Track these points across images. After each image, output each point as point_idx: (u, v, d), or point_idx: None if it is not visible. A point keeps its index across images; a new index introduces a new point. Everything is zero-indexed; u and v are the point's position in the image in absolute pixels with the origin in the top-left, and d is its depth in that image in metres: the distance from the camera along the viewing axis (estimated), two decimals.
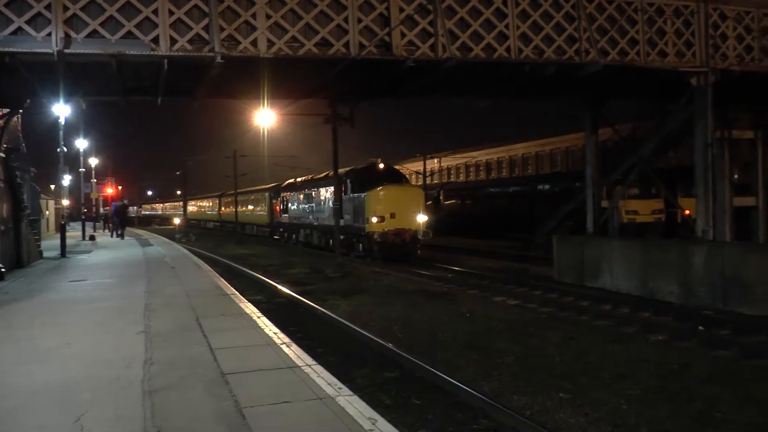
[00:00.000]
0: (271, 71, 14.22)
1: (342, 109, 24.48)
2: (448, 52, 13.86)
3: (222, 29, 12.21)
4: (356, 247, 26.68)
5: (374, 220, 24.57)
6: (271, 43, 12.71)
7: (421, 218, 24.97)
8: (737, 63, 16.77)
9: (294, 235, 36.71)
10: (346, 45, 13.28)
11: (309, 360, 6.95)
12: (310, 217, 32.76)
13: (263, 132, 31.26)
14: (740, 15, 17.12)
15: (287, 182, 40.03)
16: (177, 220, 70.91)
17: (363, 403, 5.53)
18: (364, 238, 25.56)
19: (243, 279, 19.29)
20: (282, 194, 39.43)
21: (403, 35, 13.69)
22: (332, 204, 27.27)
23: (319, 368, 6.60)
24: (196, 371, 6.39)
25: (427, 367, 8.43)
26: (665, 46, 16.13)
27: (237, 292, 12.48)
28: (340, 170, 26.68)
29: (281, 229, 40.23)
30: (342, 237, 26.63)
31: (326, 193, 29.90)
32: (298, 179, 37.82)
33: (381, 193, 25.13)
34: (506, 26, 14.46)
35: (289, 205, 37.31)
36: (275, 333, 8.40)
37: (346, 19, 13.28)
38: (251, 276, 20.09)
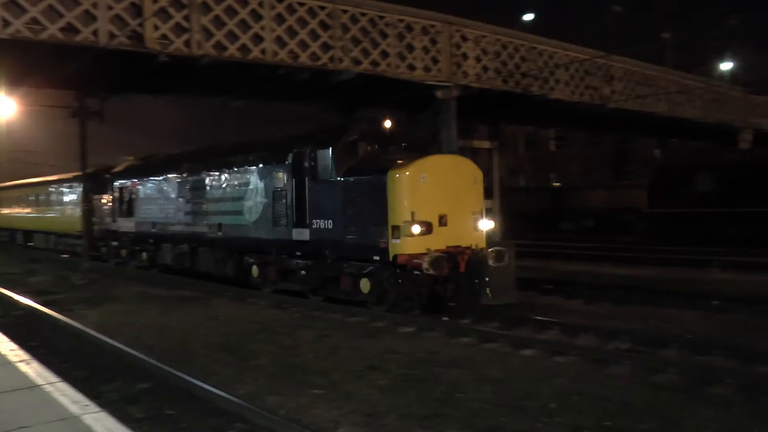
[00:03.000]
0: (9, 55, 12.76)
1: (93, 102, 22.66)
2: (203, 49, 13.56)
3: None
4: (353, 286, 12.95)
5: (414, 230, 11.68)
6: (6, 23, 11.40)
7: (485, 224, 13.03)
8: (476, 80, 18.56)
9: (145, 254, 21.38)
10: (95, 33, 12.40)
11: (52, 377, 6.34)
12: (200, 222, 17.82)
13: None
14: (478, 38, 18.97)
15: (132, 163, 24.14)
16: None
17: (111, 420, 5.20)
18: (383, 269, 12.23)
19: None
20: (122, 185, 22.75)
21: (156, 28, 13.11)
22: (267, 198, 14.86)
23: (63, 385, 6.05)
24: None
25: (181, 375, 8.13)
26: (414, 60, 17.34)
27: None
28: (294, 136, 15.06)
29: (116, 243, 23.73)
30: (305, 267, 14.08)
31: (250, 178, 15.62)
32: (168, 155, 22.33)
33: (423, 174, 12.12)
34: (262, 28, 14.51)
35: (141, 203, 21.36)
36: (11, 350, 7.54)
37: (95, 5, 12.38)
38: None
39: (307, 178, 13.61)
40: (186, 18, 13.44)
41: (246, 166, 15.88)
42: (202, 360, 9.29)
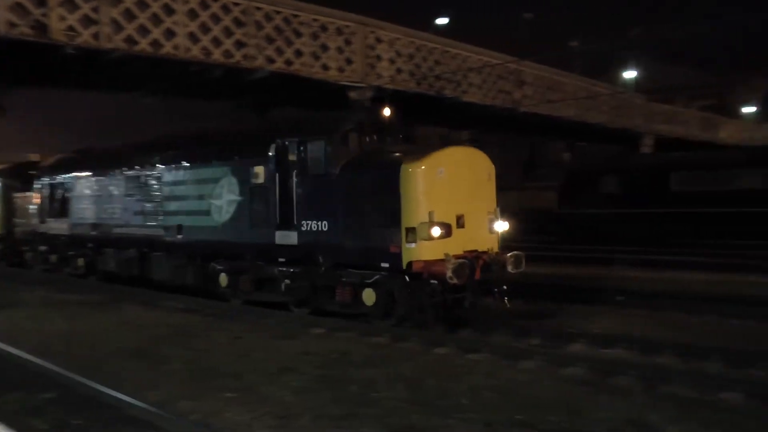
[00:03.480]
0: None
1: None
2: (113, 43, 13.14)
3: None
4: (352, 298, 11.49)
5: (434, 232, 10.44)
6: None
7: (500, 225, 11.94)
8: (390, 81, 18.73)
9: (82, 260, 18.71)
10: None
11: None
12: (154, 223, 15.66)
13: None
14: (393, 40, 19.16)
15: (65, 156, 20.90)
16: None
17: None
18: (393, 278, 10.89)
19: None
20: (53, 181, 19.96)
21: (63, 18, 12.61)
22: (242, 196, 13.17)
23: None
24: None
25: (89, 382, 7.82)
26: (328, 60, 17.35)
27: None
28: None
29: (44, 247, 20.60)
30: (290, 275, 12.45)
31: (220, 173, 13.72)
32: (113, 147, 19.18)
33: (440, 168, 10.86)
34: (174, 23, 14.19)
35: (78, 201, 18.73)
36: None
37: None
38: None
39: (294, 174, 12.09)
40: (95, 9, 13.00)
41: (215, 160, 13.99)
42: (112, 366, 8.95)
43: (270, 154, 12.53)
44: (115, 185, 17.10)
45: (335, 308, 11.81)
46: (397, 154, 11.41)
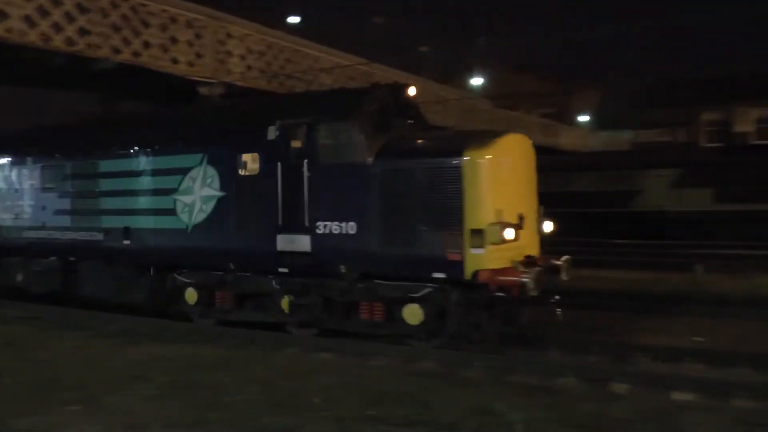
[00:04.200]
0: None
1: None
2: None
3: None
4: (385, 316, 9.75)
5: (507, 235, 8.85)
6: None
7: (548, 226, 10.27)
8: (240, 78, 18.46)
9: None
10: None
11: None
12: (87, 225, 12.79)
13: None
14: (244, 36, 18.90)
15: None
16: None
17: None
18: (449, 291, 9.20)
19: None
20: None
21: None
22: (226, 191, 10.88)
23: None
24: None
25: None
26: (177, 54, 16.80)
27: None
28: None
29: None
30: (295, 290, 10.36)
31: (191, 162, 11.30)
32: (23, 130, 15.39)
33: (505, 158, 9.32)
34: (8, 4, 13.15)
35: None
36: None
37: None
38: None
39: (306, 163, 9.89)
40: None
41: (183, 146, 11.49)
42: None
43: (269, 138, 10.26)
44: (25, 178, 13.74)
45: (359, 329, 9.95)
46: (455, 140, 9.92)
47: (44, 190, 13.41)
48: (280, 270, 10.30)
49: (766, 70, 43.14)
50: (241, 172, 10.68)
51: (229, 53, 18.40)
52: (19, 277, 13.88)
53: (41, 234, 13.40)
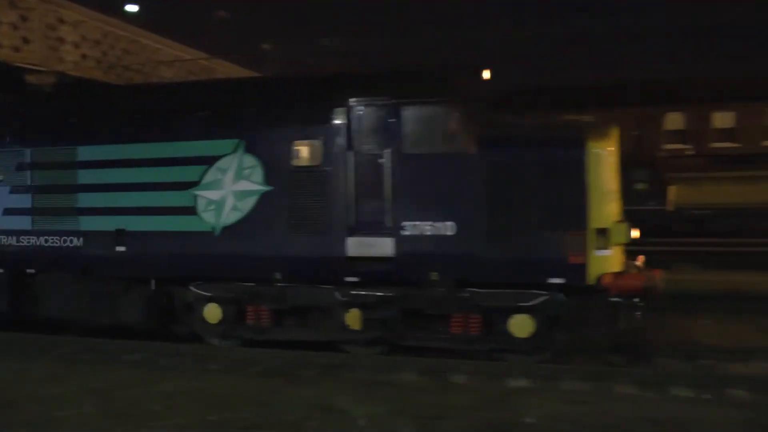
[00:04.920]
0: None
1: None
2: None
3: None
4: (485, 329, 8.63)
5: (634, 234, 8.48)
6: None
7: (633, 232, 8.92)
8: (74, 67, 17.42)
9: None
10: None
11: None
12: (60, 226, 10.25)
13: None
14: (78, 22, 17.85)
15: None
16: None
17: None
18: (566, 298, 8.29)
19: None
20: None
21: None
22: (269, 186, 9.18)
23: None
24: None
25: None
26: (1, 37, 15.54)
27: None
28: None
29: None
30: (368, 302, 8.89)
31: (219, 150, 9.40)
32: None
33: (617, 150, 8.51)
34: None
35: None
36: None
37: None
38: None
39: (389, 151, 8.64)
40: None
41: (209, 129, 9.56)
42: None
43: (336, 122, 8.88)
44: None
45: (446, 345, 8.79)
46: (571, 129, 9.07)
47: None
48: (347, 279, 8.93)
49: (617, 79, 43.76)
50: (295, 163, 9.05)
51: (61, 40, 17.29)
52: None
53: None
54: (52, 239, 10.21)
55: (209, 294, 9.54)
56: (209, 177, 9.40)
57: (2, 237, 10.51)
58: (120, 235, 9.87)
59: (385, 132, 8.65)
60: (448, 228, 8.42)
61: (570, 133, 8.72)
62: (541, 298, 8.24)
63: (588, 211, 8.04)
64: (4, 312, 10.62)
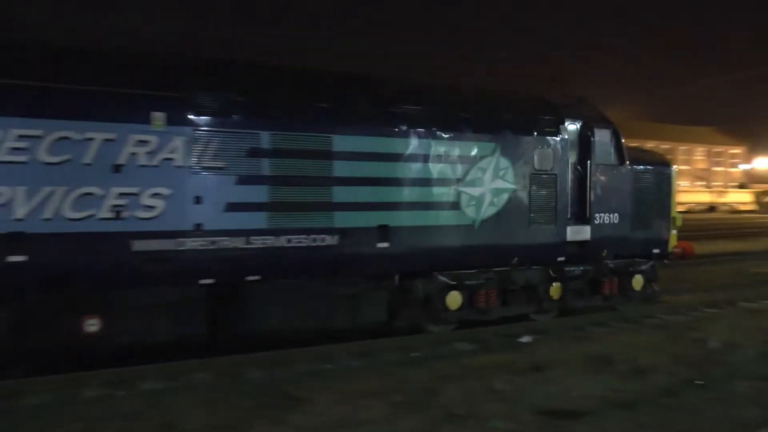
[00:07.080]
0: None
1: None
2: None
3: None
4: (619, 288, 12.54)
5: (680, 222, 13.70)
6: None
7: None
8: None
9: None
10: None
11: None
12: (310, 222, 9.37)
13: None
14: None
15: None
16: None
17: None
18: (652, 263, 13.10)
19: None
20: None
21: None
22: (518, 184, 11.13)
23: None
24: None
25: None
26: None
27: None
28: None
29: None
30: (567, 276, 11.78)
31: (479, 152, 10.72)
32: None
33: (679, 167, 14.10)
34: None
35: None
36: None
37: None
38: None
39: (589, 162, 11.85)
40: None
41: (476, 132, 10.64)
42: None
43: (561, 136, 11.59)
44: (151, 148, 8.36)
45: (599, 303, 12.41)
46: (656, 154, 14.29)
47: (202, 170, 8.57)
48: (559, 259, 11.60)
49: None
50: (535, 166, 11.20)
51: None
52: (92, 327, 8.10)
53: (189, 243, 8.44)
54: (297, 239, 9.16)
55: (453, 282, 10.60)
56: (472, 175, 10.59)
57: (224, 239, 8.67)
58: (383, 231, 9.82)
59: (587, 147, 11.87)
60: (615, 218, 12.17)
61: (661, 157, 13.87)
62: (649, 264, 12.84)
63: (671, 205, 13.02)
64: (199, 333, 8.73)
